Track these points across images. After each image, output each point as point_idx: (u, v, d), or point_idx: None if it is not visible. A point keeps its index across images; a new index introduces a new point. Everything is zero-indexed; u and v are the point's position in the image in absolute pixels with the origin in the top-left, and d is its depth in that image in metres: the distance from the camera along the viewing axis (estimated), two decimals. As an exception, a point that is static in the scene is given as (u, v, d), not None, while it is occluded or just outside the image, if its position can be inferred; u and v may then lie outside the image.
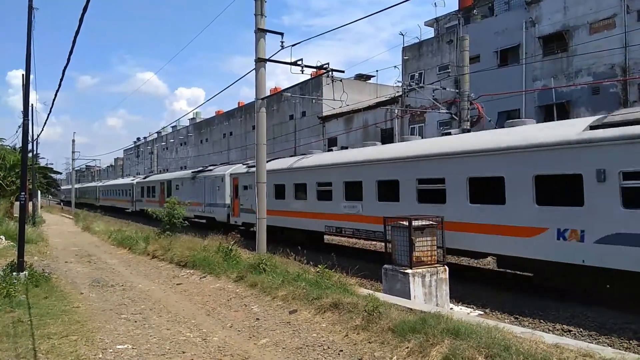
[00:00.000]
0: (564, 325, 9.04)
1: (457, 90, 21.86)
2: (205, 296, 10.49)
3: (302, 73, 14.31)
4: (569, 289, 10.46)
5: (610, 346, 7.65)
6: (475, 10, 32.10)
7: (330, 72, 15.53)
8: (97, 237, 25.01)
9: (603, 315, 9.32)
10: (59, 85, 17.16)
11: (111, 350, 6.90)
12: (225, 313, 9.01)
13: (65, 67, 13.48)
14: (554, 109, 24.35)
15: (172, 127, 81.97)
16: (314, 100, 34.73)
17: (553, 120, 21.56)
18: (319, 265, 10.56)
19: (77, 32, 9.41)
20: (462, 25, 31.13)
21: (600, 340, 8.19)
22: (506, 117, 27.12)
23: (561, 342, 5.57)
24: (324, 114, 41.04)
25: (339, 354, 6.49)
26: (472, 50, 21.86)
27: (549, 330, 8.89)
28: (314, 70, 15.94)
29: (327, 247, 18.80)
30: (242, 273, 11.28)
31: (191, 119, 77.09)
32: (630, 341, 8.07)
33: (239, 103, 62.72)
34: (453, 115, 23.69)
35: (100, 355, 6.68)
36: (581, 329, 8.79)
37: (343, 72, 15.70)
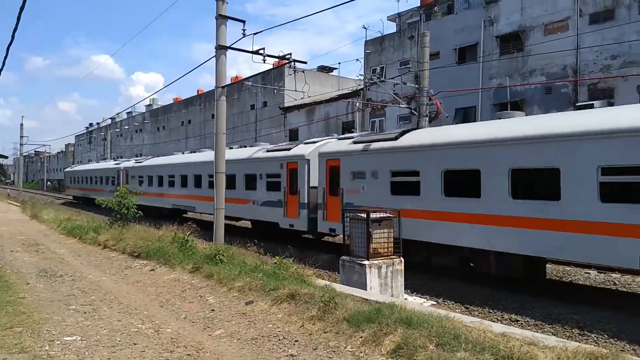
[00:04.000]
0: (512, 315, 9.42)
1: (417, 86, 22.18)
2: (159, 287, 10.26)
3: (264, 62, 14.13)
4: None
5: (554, 335, 8.02)
6: (436, 8, 32.64)
7: (292, 63, 15.42)
8: (45, 225, 23.96)
9: (549, 305, 9.77)
10: (3, 63, 16.21)
11: (58, 342, 6.65)
12: (180, 304, 8.85)
13: (9, 45, 12.78)
14: (508, 107, 25.15)
15: (127, 113, 79.39)
16: (275, 91, 34.49)
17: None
18: (276, 257, 10.53)
19: (21, 8, 8.90)
20: (423, 22, 31.60)
21: (545, 329, 8.58)
22: (463, 114, 27.90)
23: (508, 331, 5.80)
24: (286, 104, 40.82)
25: (294, 344, 6.51)
26: (432, 47, 22.21)
27: (498, 319, 9.24)
28: (276, 60, 15.80)
29: (287, 239, 18.78)
30: (198, 264, 11.10)
31: (148, 105, 74.94)
32: (573, 330, 8.50)
33: (198, 91, 61.40)
34: (412, 110, 24.06)
35: (47, 347, 6.43)
36: (528, 319, 9.18)
37: (305, 63, 15.62)
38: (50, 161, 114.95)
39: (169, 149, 51.23)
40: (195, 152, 29.79)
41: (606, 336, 8.09)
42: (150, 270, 12.06)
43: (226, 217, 15.35)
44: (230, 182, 19.38)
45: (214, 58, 13.85)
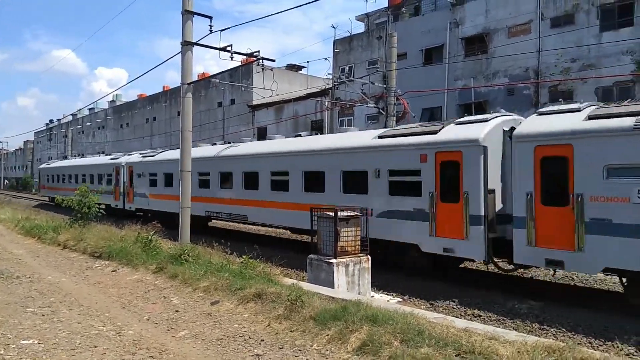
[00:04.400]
0: (475, 310, 9.61)
1: (384, 86, 22.40)
2: (121, 288, 10.00)
3: (232, 60, 13.97)
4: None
5: (515, 330, 8.26)
6: (403, 9, 33.05)
7: (260, 60, 15.31)
8: (2, 225, 23.01)
9: (511, 301, 10.02)
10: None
11: (14, 346, 6.39)
12: (143, 305, 8.65)
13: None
14: (473, 108, 25.73)
15: (89, 109, 77.03)
16: (243, 88, 34.20)
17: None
18: (243, 256, 10.43)
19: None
20: (391, 23, 31.92)
21: (506, 324, 8.80)
22: (430, 114, 28.37)
23: (470, 326, 5.92)
24: (254, 102, 40.50)
25: (260, 344, 6.46)
26: (399, 48, 22.47)
27: (461, 315, 9.42)
28: (244, 57, 15.63)
29: (253, 238, 18.64)
30: (162, 264, 10.88)
31: (110, 101, 72.90)
32: (533, 324, 8.74)
33: (164, 87, 60.18)
34: (380, 110, 24.29)
35: (2, 352, 6.16)
36: (490, 314, 9.39)
37: (274, 61, 15.51)
38: (8, 159, 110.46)
39: (133, 147, 50.00)
40: (228, 143, 21.96)
41: (564, 330, 8.37)
42: (112, 271, 11.74)
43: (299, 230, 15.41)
44: (316, 180, 14.72)
45: (180, 54, 13.60)
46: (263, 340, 6.59)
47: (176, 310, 8.18)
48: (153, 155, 25.47)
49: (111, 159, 30.89)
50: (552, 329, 8.43)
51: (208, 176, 19.81)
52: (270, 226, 20.24)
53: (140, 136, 59.62)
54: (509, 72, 25.60)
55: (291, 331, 6.69)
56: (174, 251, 11.47)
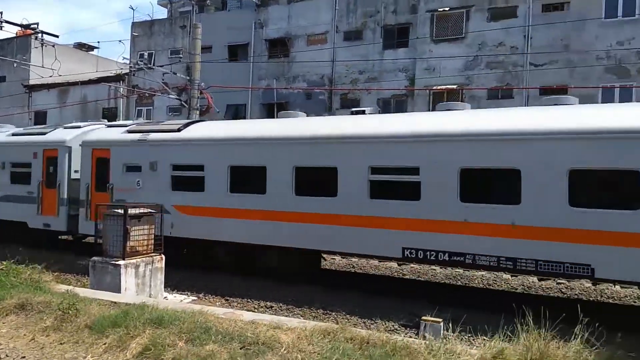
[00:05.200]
0: (267, 302, 9.93)
1: (188, 77, 21.66)
2: None
3: (1, 30, 11.77)
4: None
5: (302, 317, 8.82)
6: (209, 1, 32.51)
7: (40, 34, 13.29)
8: None
9: (302, 291, 10.62)
10: None
11: None
12: None
13: None
14: (275, 108, 26.79)
15: None
16: (16, 64, 29.18)
17: (274, 117, 23.68)
18: (4, 262, 8.83)
19: None
20: (195, 13, 31.10)
21: (295, 312, 9.32)
22: (234, 111, 28.54)
23: (257, 318, 6.07)
24: (31, 82, 34.97)
25: (19, 363, 5.52)
26: (204, 40, 21.99)
27: (255, 308, 9.66)
28: (21, 29, 13.35)
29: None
30: None
31: None
32: (318, 310, 9.43)
33: None
34: (183, 102, 23.44)
35: None
36: (281, 304, 9.82)
37: (57, 36, 13.75)
38: None
39: None
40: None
41: (344, 313, 9.22)
42: None
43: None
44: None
45: None
46: (24, 357, 5.65)
47: None
48: (182, 129, 12.99)
49: (40, 133, 15.98)
50: (333, 314, 9.22)
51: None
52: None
53: None
54: (307, 77, 27.36)
55: (61, 343, 5.88)
56: None
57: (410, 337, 6.97)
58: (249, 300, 10.17)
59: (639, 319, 8.57)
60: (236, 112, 28.36)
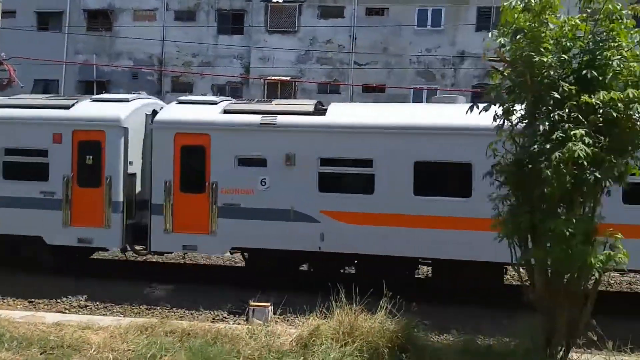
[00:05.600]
0: (81, 301, 8.93)
1: (-19, 44, 18.33)
2: None
3: None
4: None
5: (122, 314, 8.18)
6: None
7: None
8: None
9: (124, 286, 9.84)
10: None
11: None
12: None
13: None
14: (94, 86, 24.34)
15: None
16: None
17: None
18: None
19: None
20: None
21: (114, 310, 8.53)
22: (44, 86, 25.10)
23: (63, 319, 5.51)
24: None
25: None
26: (6, 3, 18.86)
27: (67, 309, 8.62)
28: None
29: None
30: None
31: None
32: (141, 306, 8.81)
33: None
34: (-26, 73, 19.81)
35: None
36: (97, 303, 8.85)
37: None
38: None
39: None
40: None
41: (169, 307, 8.80)
42: None
43: None
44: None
45: None
46: None
47: None
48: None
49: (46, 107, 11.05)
50: (158, 308, 8.68)
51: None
52: None
53: None
54: (134, 56, 25.46)
55: None
56: None
57: (240, 324, 7.03)
58: (58, 301, 9.05)
59: (434, 291, 9.88)
60: (46, 88, 25.01)
